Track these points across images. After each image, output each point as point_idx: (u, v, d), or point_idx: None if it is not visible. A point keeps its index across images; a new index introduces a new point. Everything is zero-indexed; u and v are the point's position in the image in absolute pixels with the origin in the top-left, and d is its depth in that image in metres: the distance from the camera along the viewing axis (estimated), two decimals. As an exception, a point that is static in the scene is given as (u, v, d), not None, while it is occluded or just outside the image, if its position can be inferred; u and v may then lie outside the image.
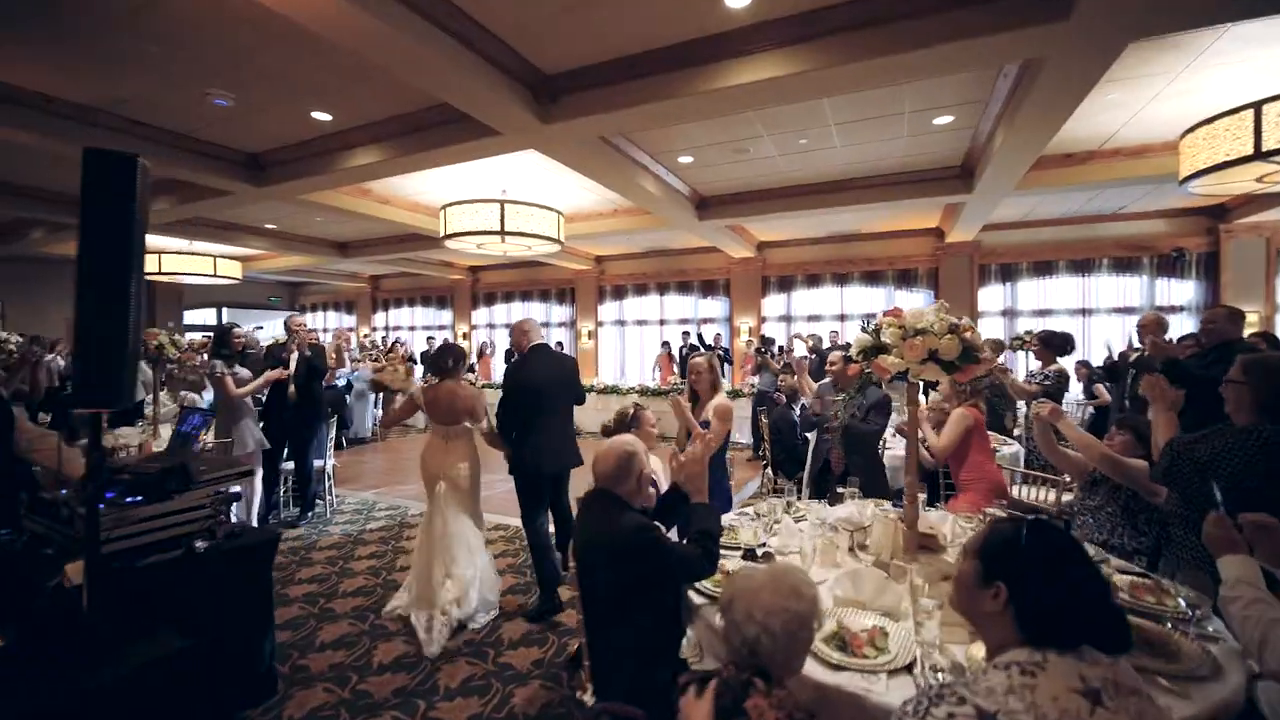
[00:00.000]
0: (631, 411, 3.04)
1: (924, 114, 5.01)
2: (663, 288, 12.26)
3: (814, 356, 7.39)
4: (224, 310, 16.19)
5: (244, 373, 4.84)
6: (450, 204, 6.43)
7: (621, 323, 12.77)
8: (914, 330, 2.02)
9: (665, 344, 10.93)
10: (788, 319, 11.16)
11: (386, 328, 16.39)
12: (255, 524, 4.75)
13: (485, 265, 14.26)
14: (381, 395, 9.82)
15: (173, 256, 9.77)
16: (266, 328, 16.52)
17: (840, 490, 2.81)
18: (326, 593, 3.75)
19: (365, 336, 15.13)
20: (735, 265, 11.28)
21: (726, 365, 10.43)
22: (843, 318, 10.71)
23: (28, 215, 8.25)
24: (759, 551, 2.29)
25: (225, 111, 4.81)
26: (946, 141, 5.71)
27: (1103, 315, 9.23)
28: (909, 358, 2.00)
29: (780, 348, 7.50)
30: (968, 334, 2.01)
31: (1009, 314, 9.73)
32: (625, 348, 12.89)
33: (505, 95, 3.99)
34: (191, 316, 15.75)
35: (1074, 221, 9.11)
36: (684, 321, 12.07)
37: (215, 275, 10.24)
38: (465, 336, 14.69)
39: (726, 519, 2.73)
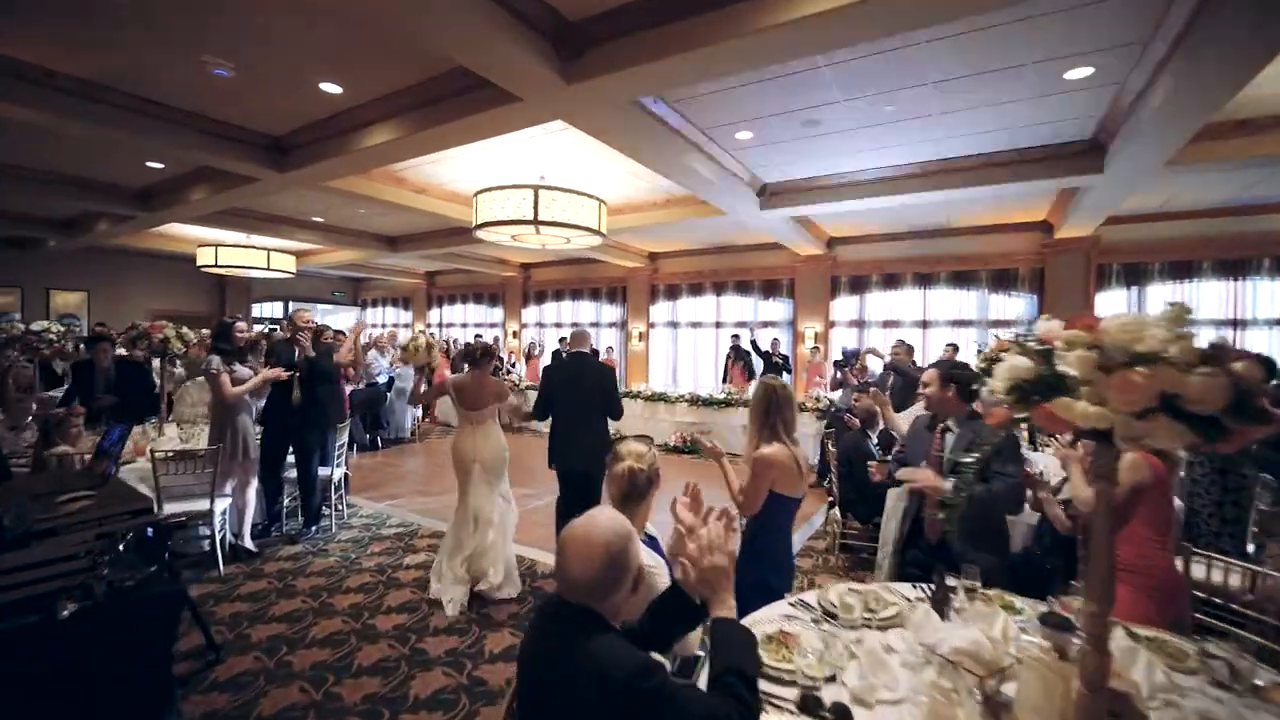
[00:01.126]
0: (651, 469, 2.05)
1: (1054, 65, 3.90)
2: (720, 287, 11.33)
3: (891, 374, 6.30)
4: (289, 304, 16.65)
5: (243, 371, 4.40)
6: (481, 190, 5.85)
7: (674, 324, 11.95)
8: (1128, 353, 1.11)
9: (734, 347, 9.99)
10: (860, 324, 9.97)
11: (440, 324, 16.33)
12: (249, 538, 4.30)
13: (536, 262, 13.83)
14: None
15: (229, 249, 9.86)
16: (332, 323, 16.98)
17: (950, 586, 1.89)
18: (294, 637, 3.17)
19: (421, 333, 15.09)
20: (801, 264, 10.20)
21: (786, 374, 9.40)
22: (925, 324, 9.42)
23: (92, 208, 8.43)
24: (827, 702, 1.43)
25: (229, 85, 4.38)
26: (1078, 104, 4.53)
27: (1260, 328, 7.54)
28: (1119, 404, 1.09)
29: (855, 357, 6.43)
30: (1238, 366, 1.07)
31: (1134, 323, 8.15)
32: (678, 351, 12.06)
33: (523, 48, 3.28)
34: (259, 311, 16.28)
35: (1222, 213, 7.48)
36: (741, 324, 11.09)
37: (269, 269, 10.27)
38: (515, 335, 14.32)
39: (774, 613, 1.88)
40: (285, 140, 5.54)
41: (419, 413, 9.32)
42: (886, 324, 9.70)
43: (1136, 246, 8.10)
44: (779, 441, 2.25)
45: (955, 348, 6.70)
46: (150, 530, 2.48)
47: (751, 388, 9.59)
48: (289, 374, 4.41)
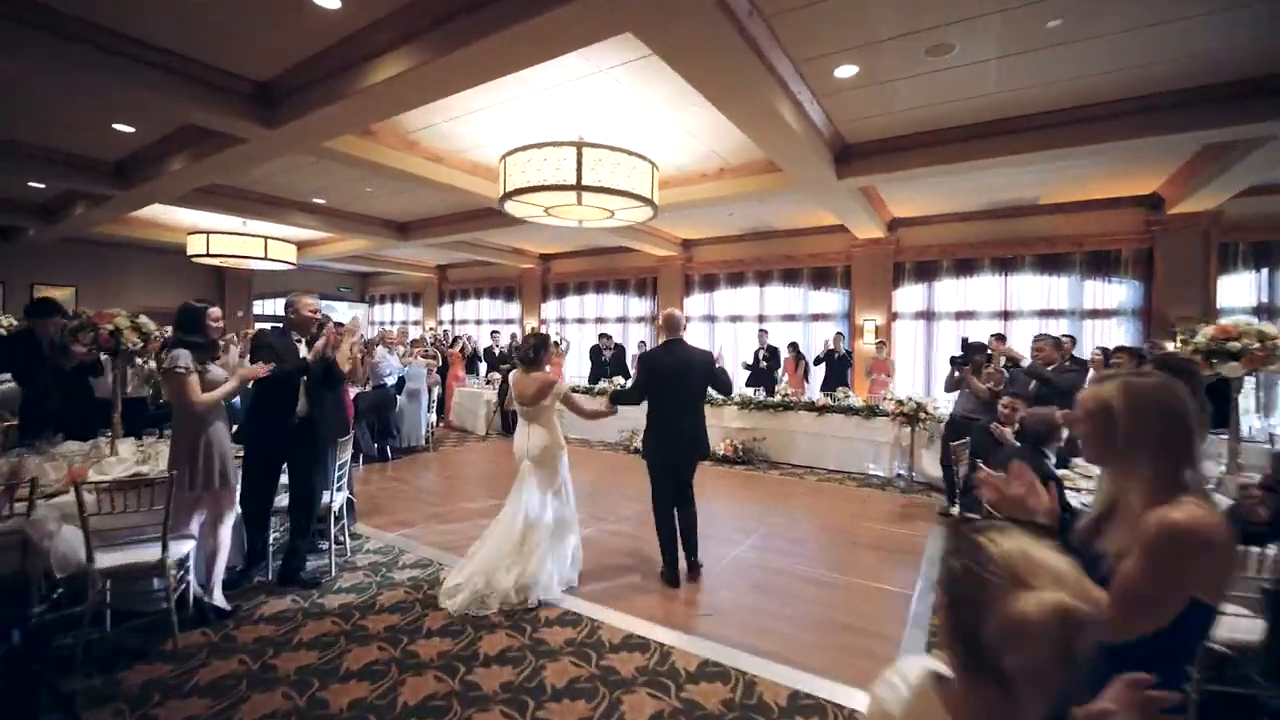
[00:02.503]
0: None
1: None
2: (763, 277, 10.24)
3: (1009, 372, 5.19)
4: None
5: (218, 372, 3.38)
6: (512, 151, 4.80)
7: (712, 318, 10.86)
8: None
9: (793, 345, 8.88)
10: (928, 315, 8.84)
11: (452, 321, 15.33)
12: (219, 591, 3.26)
13: (557, 253, 12.80)
14: (436, 396, 8.46)
15: (222, 237, 8.88)
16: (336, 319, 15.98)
17: None
18: (267, 767, 2.13)
19: (430, 330, 14.10)
20: (860, 248, 9.08)
21: (846, 371, 8.30)
22: (1006, 315, 8.29)
23: (65, 186, 7.46)
24: None
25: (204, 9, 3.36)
26: (1262, 23, 3.42)
27: None
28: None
29: (987, 353, 5.22)
30: None
31: (1265, 311, 6.99)
32: (715, 347, 10.95)
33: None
34: (260, 308, 15.34)
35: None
36: (790, 318, 10.00)
37: (267, 258, 9.27)
38: (534, 333, 13.28)
39: None
40: (274, 85, 4.52)
41: (434, 417, 8.30)
42: (959, 315, 8.58)
43: (1267, 222, 6.93)
44: (1195, 498, 1.13)
45: (1071, 339, 5.59)
46: (17, 634, 1.46)
47: (857, 386, 8.56)
48: (272, 370, 3.37)
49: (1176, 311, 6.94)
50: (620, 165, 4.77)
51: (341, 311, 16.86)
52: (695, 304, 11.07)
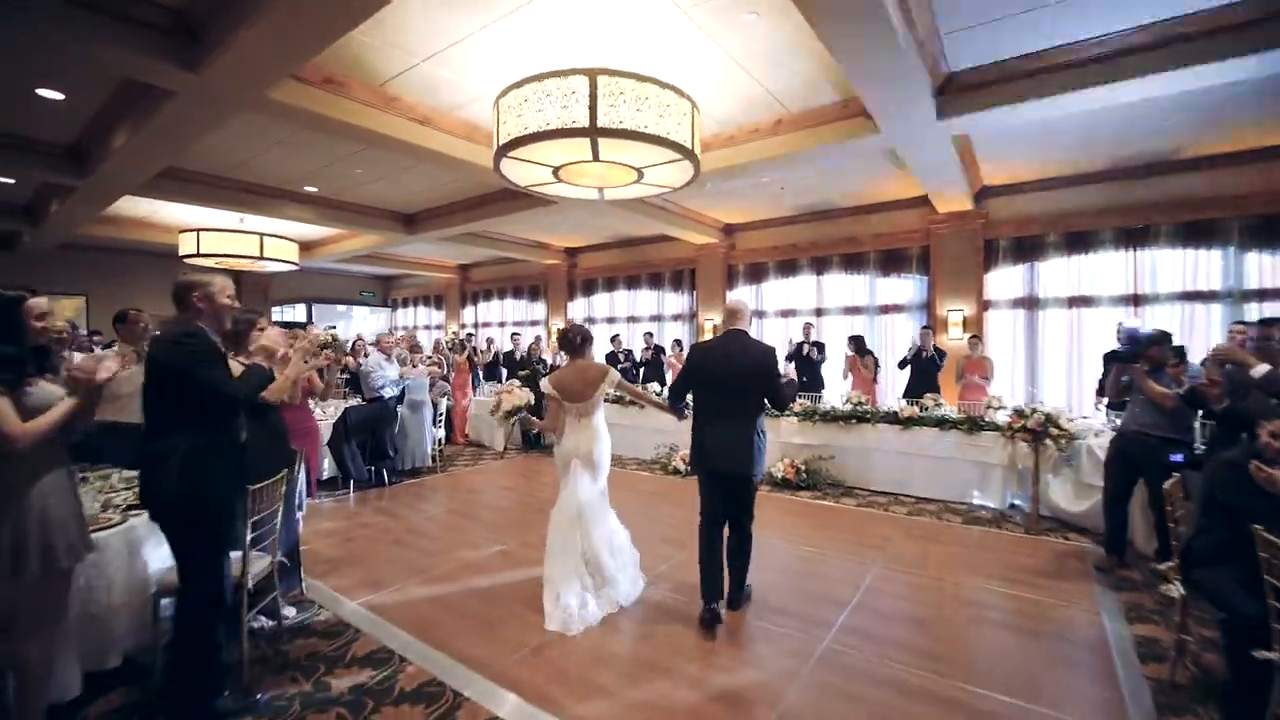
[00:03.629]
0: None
1: None
2: (820, 264, 8.79)
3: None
4: (313, 306, 15.04)
5: (45, 393, 2.23)
6: (507, 90, 3.60)
7: (760, 314, 9.46)
8: None
9: (856, 339, 7.40)
10: (1030, 303, 7.25)
11: (475, 324, 14.35)
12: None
13: (583, 246, 11.64)
14: (446, 409, 7.38)
15: (213, 235, 8.05)
16: (355, 326, 15.28)
17: None
18: None
19: (452, 333, 13.13)
20: (942, 225, 7.57)
21: (935, 375, 6.80)
22: (1135, 300, 6.64)
23: (25, 174, 6.67)
24: None
25: None
26: None
27: None
28: None
29: (1169, 346, 3.70)
30: None
31: None
32: (789, 344, 9.57)
33: None
34: (279, 315, 14.71)
35: None
36: (853, 311, 8.53)
37: (263, 257, 8.41)
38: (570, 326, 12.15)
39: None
40: (192, 12, 3.44)
41: (442, 433, 7.22)
42: (1074, 301, 6.97)
43: None
44: None
45: None
46: None
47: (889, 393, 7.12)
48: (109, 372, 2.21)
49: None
50: (649, 101, 3.52)
51: (361, 319, 16.17)
52: (739, 297, 9.68)
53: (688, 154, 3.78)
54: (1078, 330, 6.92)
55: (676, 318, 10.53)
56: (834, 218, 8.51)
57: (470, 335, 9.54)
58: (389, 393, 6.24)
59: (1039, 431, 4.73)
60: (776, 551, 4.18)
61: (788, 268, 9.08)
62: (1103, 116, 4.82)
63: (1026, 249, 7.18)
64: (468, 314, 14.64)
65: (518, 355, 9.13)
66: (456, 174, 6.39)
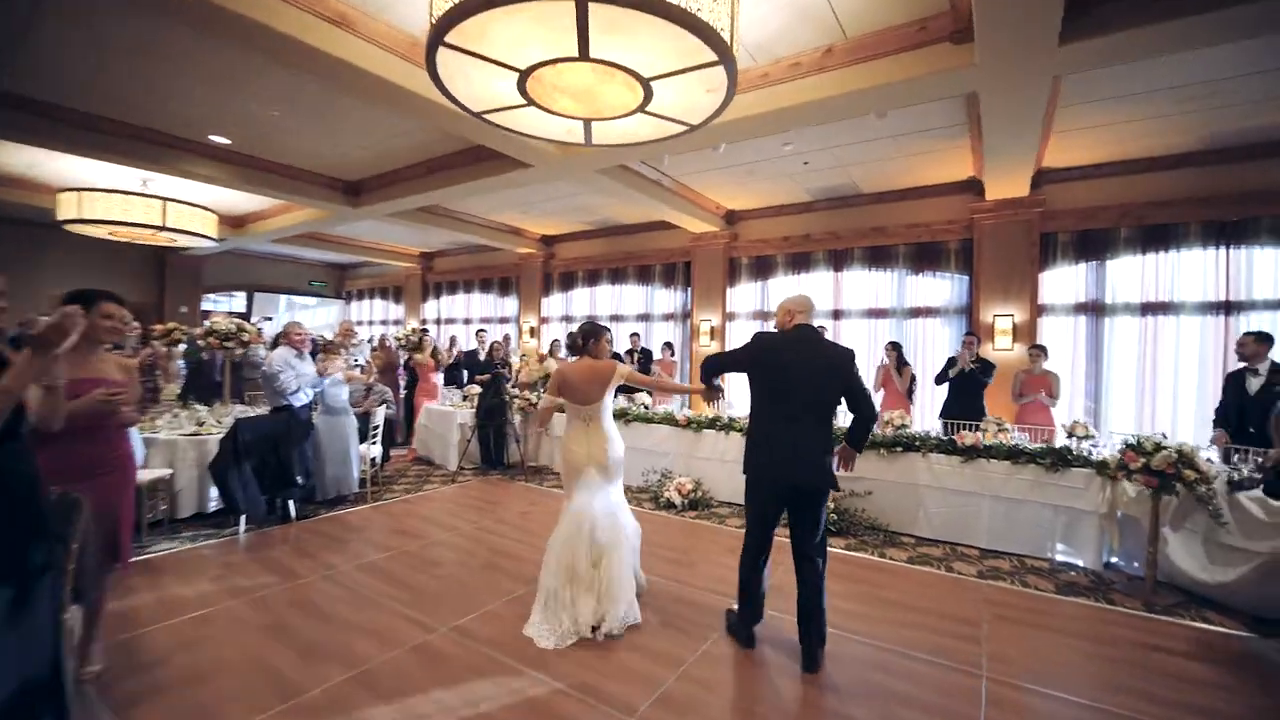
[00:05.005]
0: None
1: None
2: (839, 258, 7.55)
3: None
4: (254, 295, 13.31)
5: None
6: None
7: (767, 314, 8.19)
8: None
9: (893, 345, 6.14)
10: (1094, 308, 6.09)
11: (438, 320, 12.82)
12: None
13: (562, 234, 10.25)
14: (386, 421, 5.89)
15: (96, 196, 6.42)
16: (308, 321, 13.52)
17: None
18: None
19: (411, 331, 11.54)
20: (987, 215, 6.39)
21: (981, 391, 5.59)
22: (1226, 307, 5.53)
23: None
24: None
25: None
26: None
27: None
28: None
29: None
30: None
31: None
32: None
33: None
34: (213, 304, 12.97)
35: None
36: (878, 314, 7.31)
37: (166, 227, 6.79)
38: (533, 333, 10.74)
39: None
40: None
41: (378, 451, 5.74)
42: (1149, 308, 5.83)
43: None
44: None
45: None
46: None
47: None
48: None
49: None
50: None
51: (309, 311, 14.48)
52: (742, 296, 8.41)
53: (723, 51, 2.45)
54: (1152, 342, 5.79)
55: (668, 317, 9.19)
56: (856, 205, 7.29)
57: (425, 332, 8.01)
58: (301, 400, 4.76)
59: (1167, 474, 3.51)
60: (833, 638, 2.85)
61: (800, 262, 7.82)
62: (1214, 68, 3.67)
63: (1091, 245, 6.04)
64: (430, 309, 13.09)
65: (480, 356, 7.70)
66: (400, 121, 4.96)
